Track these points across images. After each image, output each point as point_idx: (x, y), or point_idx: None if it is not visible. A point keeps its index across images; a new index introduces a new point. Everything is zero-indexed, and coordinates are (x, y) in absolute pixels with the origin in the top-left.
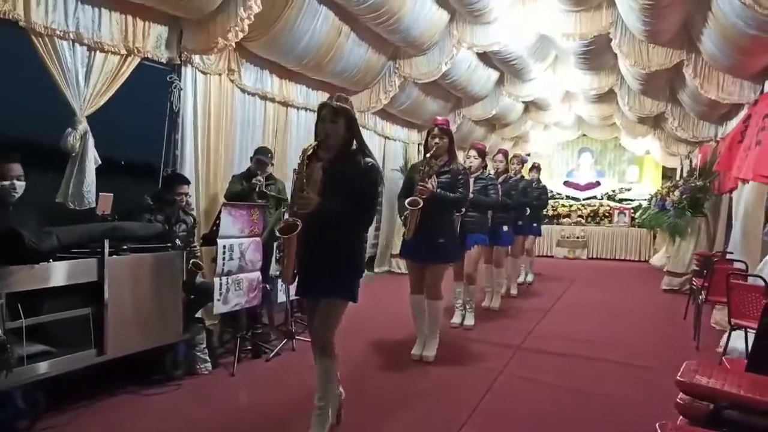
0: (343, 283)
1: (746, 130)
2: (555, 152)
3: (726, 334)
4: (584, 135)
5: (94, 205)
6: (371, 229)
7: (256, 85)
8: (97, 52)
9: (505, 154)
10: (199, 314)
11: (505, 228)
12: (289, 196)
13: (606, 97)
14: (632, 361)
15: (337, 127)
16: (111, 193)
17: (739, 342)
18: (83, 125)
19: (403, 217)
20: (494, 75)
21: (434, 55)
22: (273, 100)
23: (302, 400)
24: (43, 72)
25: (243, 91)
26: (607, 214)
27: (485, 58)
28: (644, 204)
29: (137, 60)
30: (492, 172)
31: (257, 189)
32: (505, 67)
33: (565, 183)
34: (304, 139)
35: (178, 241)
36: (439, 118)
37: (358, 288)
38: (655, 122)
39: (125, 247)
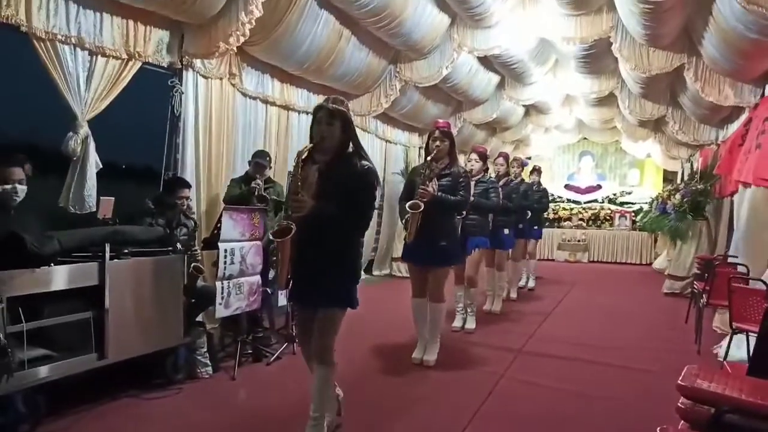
0: (341, 290)
1: (747, 133)
2: (556, 155)
3: (727, 338)
4: (585, 138)
5: (95, 209)
6: (371, 233)
7: (257, 89)
8: (99, 56)
9: (506, 157)
10: (199, 318)
11: (506, 231)
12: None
13: (606, 100)
14: (633, 365)
15: (333, 130)
16: (112, 197)
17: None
18: (84, 129)
19: (404, 221)
20: (495, 79)
21: (435, 59)
22: (274, 104)
23: (303, 403)
24: (44, 76)
25: (244, 95)
26: (608, 218)
27: (486, 62)
28: (645, 207)
29: (138, 64)
30: (493, 175)
31: (256, 192)
32: (505, 70)
33: (566, 186)
34: (306, 143)
35: (179, 245)
36: (440, 120)
37: (356, 293)
38: (655, 125)
39: (126, 251)
